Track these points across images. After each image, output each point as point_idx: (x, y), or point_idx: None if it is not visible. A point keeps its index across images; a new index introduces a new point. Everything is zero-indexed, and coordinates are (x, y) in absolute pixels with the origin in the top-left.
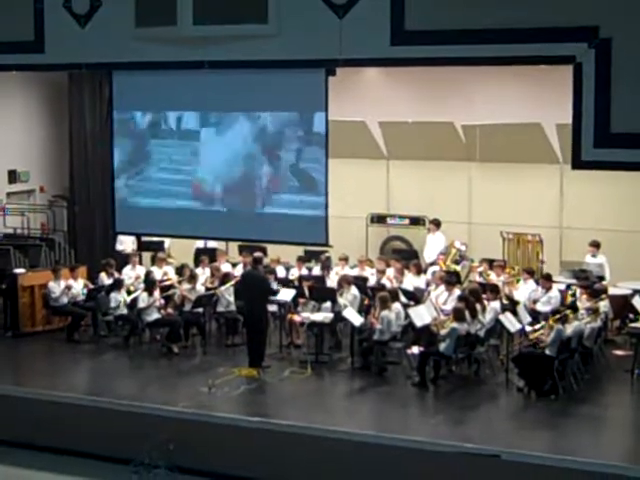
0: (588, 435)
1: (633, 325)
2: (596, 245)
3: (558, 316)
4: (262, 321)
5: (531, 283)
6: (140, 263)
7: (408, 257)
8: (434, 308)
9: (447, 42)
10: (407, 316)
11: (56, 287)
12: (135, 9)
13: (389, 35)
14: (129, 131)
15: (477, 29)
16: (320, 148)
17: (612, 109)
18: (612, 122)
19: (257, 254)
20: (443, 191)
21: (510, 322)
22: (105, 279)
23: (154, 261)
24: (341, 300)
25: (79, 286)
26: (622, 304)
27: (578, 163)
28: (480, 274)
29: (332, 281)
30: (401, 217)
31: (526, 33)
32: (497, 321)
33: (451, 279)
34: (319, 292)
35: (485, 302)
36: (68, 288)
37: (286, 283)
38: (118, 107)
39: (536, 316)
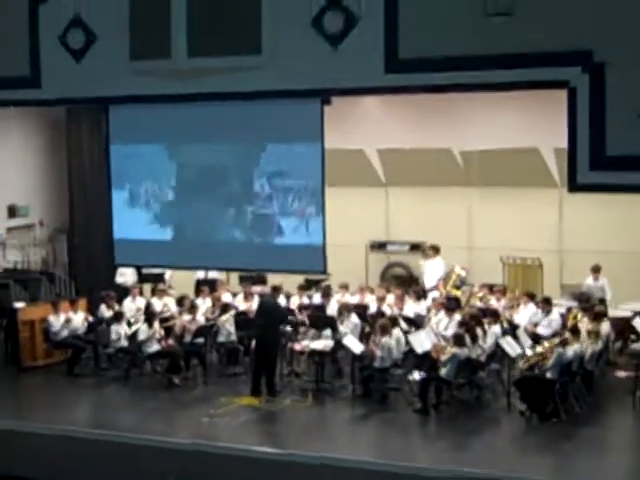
0: (590, 458)
1: (634, 346)
2: (597, 270)
3: (558, 339)
4: (274, 350)
5: (531, 306)
6: (141, 295)
7: (409, 283)
8: (434, 334)
9: (441, 69)
10: (408, 342)
11: (56, 321)
12: (130, 43)
13: (383, 63)
14: (126, 164)
15: (470, 55)
16: (317, 177)
17: (607, 132)
18: (607, 145)
19: (275, 284)
20: (442, 217)
21: (510, 346)
22: (105, 311)
23: (154, 293)
24: (341, 328)
25: (79, 319)
26: (623, 326)
27: (574, 186)
28: (480, 299)
29: (332, 309)
30: (401, 244)
31: (519, 58)
32: (498, 345)
33: (451, 304)
34: (319, 320)
35: (485, 327)
36: (68, 321)
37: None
38: (115, 140)
39: (537, 339)
